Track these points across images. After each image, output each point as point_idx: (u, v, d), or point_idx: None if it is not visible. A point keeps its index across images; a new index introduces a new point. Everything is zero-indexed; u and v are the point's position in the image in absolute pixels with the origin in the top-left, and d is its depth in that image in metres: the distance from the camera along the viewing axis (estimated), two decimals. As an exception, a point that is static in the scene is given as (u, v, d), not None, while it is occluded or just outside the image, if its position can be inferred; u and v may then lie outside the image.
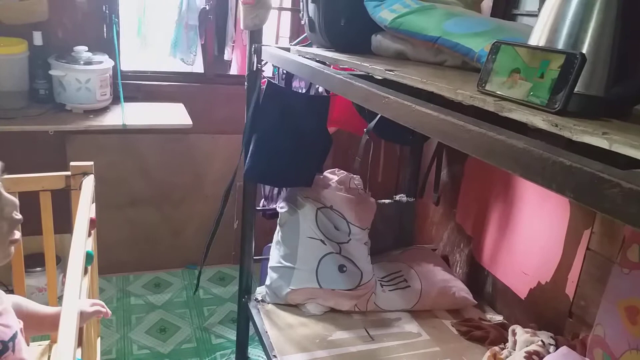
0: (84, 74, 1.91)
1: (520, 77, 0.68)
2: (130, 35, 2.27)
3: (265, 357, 1.90)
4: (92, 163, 1.39)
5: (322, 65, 1.28)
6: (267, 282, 1.81)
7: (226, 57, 2.37)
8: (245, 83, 1.69)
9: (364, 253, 1.81)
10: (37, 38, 1.91)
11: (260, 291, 1.85)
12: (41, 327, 0.96)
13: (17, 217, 0.71)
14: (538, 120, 0.61)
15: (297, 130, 1.66)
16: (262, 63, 1.62)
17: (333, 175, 1.89)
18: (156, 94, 2.21)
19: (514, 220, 1.68)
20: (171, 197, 2.37)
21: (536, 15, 1.23)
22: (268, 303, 1.80)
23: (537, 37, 0.72)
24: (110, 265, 2.08)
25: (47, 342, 1.45)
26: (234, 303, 2.23)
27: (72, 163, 1.38)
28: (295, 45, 1.63)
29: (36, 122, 1.86)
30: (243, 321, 1.87)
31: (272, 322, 1.71)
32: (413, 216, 2.07)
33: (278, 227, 1.83)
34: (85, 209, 1.17)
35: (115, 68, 2.02)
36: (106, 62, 1.98)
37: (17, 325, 0.77)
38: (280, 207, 1.82)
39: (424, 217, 2.10)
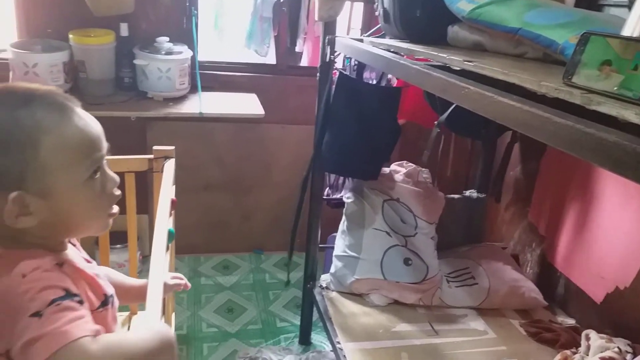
0: (165, 63, 2.01)
1: (612, 69, 0.66)
2: (207, 27, 2.36)
3: (328, 343, 1.95)
4: (173, 147, 1.47)
5: (398, 56, 1.28)
6: (332, 270, 1.84)
7: (298, 48, 2.41)
8: (317, 74, 1.72)
9: (430, 247, 1.79)
10: (124, 29, 2.03)
11: (324, 278, 1.89)
12: (127, 297, 1.02)
13: (116, 193, 0.77)
14: (630, 114, 0.58)
15: (367, 121, 1.66)
16: (335, 54, 1.64)
17: (401, 168, 1.89)
18: (231, 84, 2.28)
19: (593, 221, 1.60)
20: (242, 183, 2.45)
21: (625, 6, 1.17)
22: (332, 290, 1.83)
23: (632, 28, 0.68)
24: (183, 246, 2.18)
25: (126, 313, 1.55)
26: (298, 289, 2.28)
27: (154, 147, 1.46)
28: (368, 36, 1.63)
29: (121, 108, 1.99)
30: (307, 307, 1.91)
31: (336, 309, 1.74)
32: (483, 213, 2.03)
33: (344, 217, 1.85)
34: (167, 190, 1.24)
35: (193, 58, 2.11)
36: (185, 52, 2.07)
37: (113, 290, 0.83)
38: (347, 197, 1.84)
39: (494, 214, 2.04)
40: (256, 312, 2.12)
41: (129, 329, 1.51)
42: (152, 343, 0.66)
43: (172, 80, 2.03)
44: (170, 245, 1.19)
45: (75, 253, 0.79)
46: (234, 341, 1.95)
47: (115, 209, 0.78)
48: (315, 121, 1.76)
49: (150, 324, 0.71)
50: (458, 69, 1.04)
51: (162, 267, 0.93)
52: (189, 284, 1.10)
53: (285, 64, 2.38)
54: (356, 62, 1.79)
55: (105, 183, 0.74)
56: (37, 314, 0.58)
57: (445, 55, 1.10)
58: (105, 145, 0.74)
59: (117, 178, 0.76)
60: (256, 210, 2.51)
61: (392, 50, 1.39)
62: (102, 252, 1.48)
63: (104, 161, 0.74)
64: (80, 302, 0.63)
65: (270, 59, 2.39)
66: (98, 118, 0.77)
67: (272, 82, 2.34)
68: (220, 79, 2.27)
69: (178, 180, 1.49)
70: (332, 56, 1.64)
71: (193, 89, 2.15)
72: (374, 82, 1.83)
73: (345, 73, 1.69)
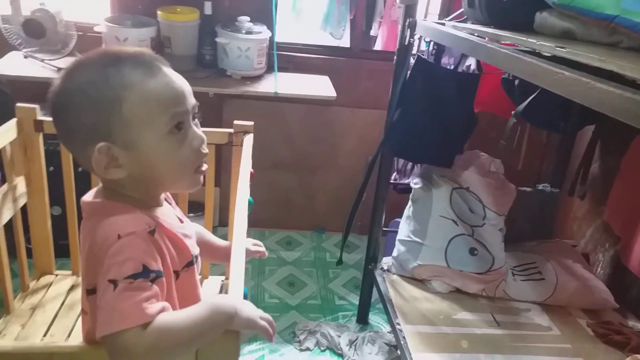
0: (245, 42, 2.07)
1: None
2: (286, 9, 2.40)
3: (385, 324, 1.97)
4: (252, 123, 1.52)
5: (485, 40, 1.26)
6: (395, 253, 1.86)
7: (373, 32, 2.41)
8: (395, 57, 1.72)
9: (497, 239, 1.77)
10: (208, 7, 2.11)
11: (386, 261, 1.91)
12: (214, 256, 1.10)
13: (203, 150, 0.78)
14: None
15: (443, 107, 1.65)
16: (415, 38, 1.63)
17: (473, 157, 1.86)
18: (305, 65, 2.32)
19: (676, 224, 1.53)
20: (308, 164, 2.50)
21: None
22: (393, 274, 1.85)
23: None
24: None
25: (198, 277, 1.64)
26: (357, 270, 2.31)
27: (235, 121, 1.52)
28: (449, 20, 1.62)
29: (201, 84, 2.07)
30: (367, 287, 1.94)
31: (396, 292, 1.76)
32: (555, 208, 1.97)
33: (410, 202, 1.86)
34: (247, 162, 1.30)
35: (271, 39, 2.16)
36: (264, 32, 2.13)
37: (199, 250, 0.89)
38: (415, 182, 1.84)
39: (566, 211, 1.98)
40: (316, 288, 2.18)
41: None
42: (208, 322, 0.70)
43: (250, 60, 2.10)
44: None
45: (169, 211, 0.84)
46: (294, 313, 2.01)
47: (205, 166, 0.80)
48: (389, 105, 1.76)
49: (210, 300, 0.72)
50: (548, 55, 1.01)
51: (244, 234, 0.99)
52: (266, 252, 1.15)
53: (359, 47, 2.39)
54: (435, 47, 1.77)
55: (192, 140, 0.76)
56: (114, 282, 0.65)
57: (534, 41, 1.08)
58: (190, 102, 0.76)
59: (203, 136, 0.78)
60: (320, 191, 2.56)
61: (475, 34, 1.37)
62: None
63: (190, 118, 0.76)
64: (155, 279, 0.68)
65: (345, 42, 2.41)
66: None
67: (345, 65, 2.36)
68: (295, 60, 2.32)
69: (249, 157, 1.54)
70: (411, 40, 1.64)
71: (269, 69, 2.21)
72: (452, 68, 1.81)
73: (423, 57, 1.69)
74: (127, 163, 0.73)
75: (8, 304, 1.41)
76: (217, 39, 2.08)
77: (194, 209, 2.05)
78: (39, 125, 1.38)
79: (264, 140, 2.41)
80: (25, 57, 1.96)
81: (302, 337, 1.87)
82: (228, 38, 2.06)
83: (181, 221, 0.87)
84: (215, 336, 0.70)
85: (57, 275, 1.55)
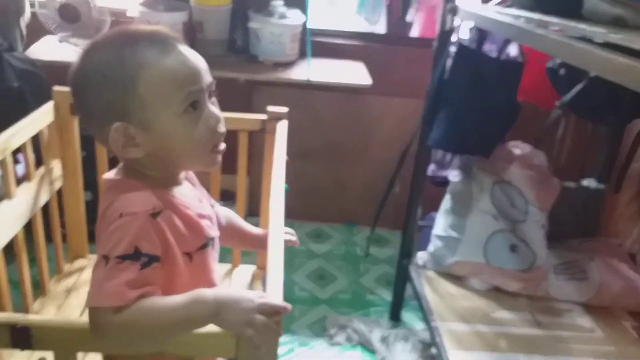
0: (278, 27, 2.02)
1: None
2: (319, -7, 2.34)
3: (418, 322, 1.92)
4: (286, 109, 1.48)
5: (533, 25, 1.19)
6: (430, 249, 1.80)
7: (409, 18, 2.33)
8: (434, 43, 1.65)
9: (539, 236, 1.70)
10: (241, -8, 2.07)
11: (421, 256, 1.85)
12: (244, 243, 1.07)
13: (220, 129, 0.76)
14: None
15: (485, 96, 1.58)
16: (456, 24, 1.56)
17: (515, 149, 1.78)
18: (339, 51, 2.26)
19: None
20: (339, 154, 2.45)
21: None
22: (429, 269, 1.79)
23: None
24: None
25: (229, 265, 1.62)
26: (389, 265, 2.26)
27: (269, 108, 1.48)
28: (494, 5, 1.54)
29: (232, 70, 2.03)
30: (400, 283, 1.89)
31: (432, 289, 1.70)
32: (600, 205, 1.88)
33: (448, 195, 1.79)
34: (281, 149, 1.26)
35: (304, 24, 2.11)
36: (298, 17, 2.08)
37: (217, 233, 0.86)
38: (454, 175, 1.77)
39: (612, 208, 1.89)
40: (346, 283, 2.13)
41: (230, 282, 1.57)
42: (185, 316, 0.67)
43: (283, 45, 2.05)
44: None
45: (189, 191, 0.82)
46: (324, 307, 1.97)
47: (222, 145, 0.78)
48: (427, 93, 1.70)
49: (195, 293, 0.69)
50: (601, 41, 0.95)
51: (281, 221, 0.95)
52: (298, 242, 1.11)
53: (395, 33, 2.32)
54: (477, 33, 1.69)
55: (208, 119, 0.74)
56: (106, 258, 0.67)
57: (585, 27, 1.02)
58: (206, 81, 0.74)
59: (220, 115, 0.76)
60: (351, 182, 2.50)
61: (521, 20, 1.30)
62: (212, 207, 1.53)
63: (206, 97, 0.75)
64: (147, 263, 0.67)
65: (380, 28, 2.34)
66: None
67: (380, 52, 2.29)
68: (328, 46, 2.26)
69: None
70: (452, 25, 1.57)
71: (301, 55, 2.16)
72: (494, 55, 1.73)
73: (465, 44, 1.61)
74: (144, 142, 0.72)
75: (44, 285, 1.42)
76: (250, 24, 2.04)
77: (225, 197, 2.02)
78: (74, 108, 1.37)
79: (293, 129, 2.34)
80: (60, 41, 1.96)
81: (332, 331, 1.83)
82: (261, 23, 2.02)
83: (200, 202, 0.84)
84: (196, 329, 0.68)
85: (90, 258, 1.55)
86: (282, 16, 2.04)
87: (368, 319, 1.92)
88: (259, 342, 0.67)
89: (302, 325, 1.87)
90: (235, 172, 1.55)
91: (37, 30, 1.97)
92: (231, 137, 1.43)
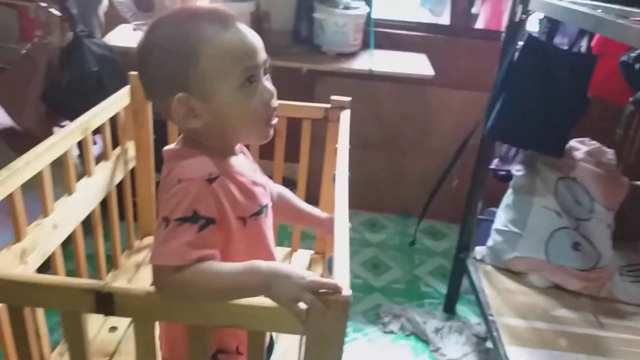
0: (343, 18, 2.04)
1: None
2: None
3: (473, 315, 1.90)
4: (350, 99, 1.50)
5: (613, 15, 1.15)
6: (490, 243, 1.78)
7: (475, 10, 2.29)
8: (503, 35, 1.62)
9: (605, 235, 1.64)
10: (306, -17, 2.10)
11: (479, 251, 1.83)
12: (298, 219, 1.11)
13: (273, 104, 0.80)
14: None
15: (554, 89, 1.53)
16: (528, 14, 1.52)
17: (582, 145, 1.73)
18: (401, 43, 2.25)
19: None
20: (398, 145, 2.44)
21: None
22: (487, 264, 1.77)
23: None
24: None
25: (288, 249, 1.66)
26: (444, 258, 2.25)
27: (332, 97, 1.50)
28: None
29: (296, 60, 2.07)
30: (456, 276, 1.87)
31: (490, 283, 1.68)
32: (673, 206, 1.79)
33: (510, 190, 1.76)
34: (345, 138, 1.28)
35: (368, 15, 2.11)
36: (362, 8, 2.09)
37: (270, 202, 0.89)
38: (517, 169, 1.74)
39: (686, 209, 1.80)
40: (401, 273, 2.14)
41: (289, 264, 1.62)
42: (239, 284, 0.70)
43: (346, 36, 2.07)
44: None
45: (243, 162, 0.86)
46: (378, 295, 1.99)
47: (275, 120, 0.81)
48: (492, 86, 1.67)
49: (252, 264, 0.71)
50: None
51: (346, 209, 0.97)
52: (352, 229, 1.13)
53: (459, 25, 2.29)
54: (547, 25, 1.65)
55: (262, 93, 0.77)
56: (166, 220, 0.71)
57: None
58: (262, 57, 0.77)
59: (273, 90, 0.79)
60: (408, 174, 2.50)
61: (599, 10, 1.26)
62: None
63: (261, 72, 0.78)
64: (205, 225, 0.71)
65: (445, 19, 2.31)
66: (274, 68, 0.81)
67: (443, 43, 2.27)
68: (391, 37, 2.26)
69: (338, 135, 1.52)
70: (523, 16, 1.53)
71: (364, 46, 2.17)
72: (566, 48, 1.68)
73: (535, 36, 1.57)
74: (203, 113, 0.76)
75: (116, 259, 1.51)
76: (315, 14, 2.07)
77: (285, 185, 2.07)
78: (140, 80, 1.44)
79: (353, 119, 2.35)
80: (134, 29, 2.06)
81: (386, 320, 1.84)
82: (326, 13, 2.04)
83: (254, 172, 0.88)
84: (248, 297, 0.71)
85: (157, 237, 1.63)
86: (347, 7, 2.06)
87: (422, 310, 1.92)
88: (304, 318, 0.69)
89: (356, 312, 1.90)
90: (295, 161, 1.58)
91: (113, 18, 2.08)
92: (293, 126, 1.49)
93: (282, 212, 1.03)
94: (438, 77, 2.11)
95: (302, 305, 0.68)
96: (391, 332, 1.81)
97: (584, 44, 1.59)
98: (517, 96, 1.57)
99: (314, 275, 0.70)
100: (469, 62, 2.25)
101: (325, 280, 0.69)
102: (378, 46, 2.19)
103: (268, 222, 0.88)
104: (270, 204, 0.89)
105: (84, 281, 0.71)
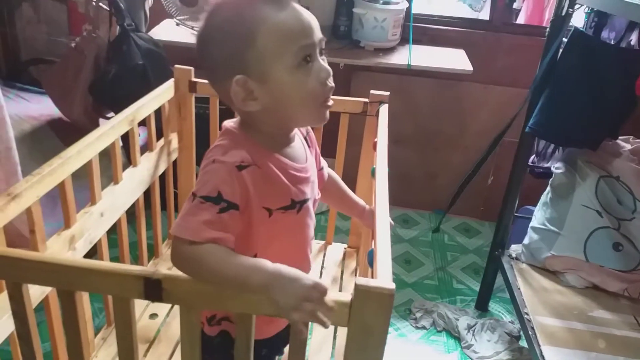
0: (382, 13, 2.04)
1: None
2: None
3: (505, 313, 1.89)
4: (388, 93, 1.51)
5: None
6: (526, 241, 1.76)
7: (516, 5, 2.25)
8: (547, 29, 1.59)
9: (648, 236, 1.60)
10: (346, -23, 2.10)
11: (515, 249, 1.81)
12: (341, 205, 1.13)
13: (330, 83, 0.79)
14: None
15: (600, 86, 1.50)
16: (574, 7, 1.49)
17: (626, 144, 1.69)
18: (440, 38, 2.24)
19: None
20: (432, 142, 2.43)
21: None
22: (522, 262, 1.75)
23: None
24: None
25: (322, 242, 1.68)
26: (477, 255, 2.23)
27: (371, 91, 1.51)
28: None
29: (334, 55, 2.07)
30: (490, 273, 1.86)
31: (525, 281, 1.66)
32: None
33: (549, 188, 1.74)
34: (384, 132, 1.29)
35: (407, 10, 2.10)
36: (401, 3, 2.08)
37: (314, 195, 0.89)
38: (556, 167, 1.71)
39: None
40: (433, 269, 2.14)
41: (324, 257, 1.64)
42: (242, 279, 0.70)
43: (385, 31, 2.06)
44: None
45: (298, 151, 0.85)
46: (410, 291, 2.00)
47: (330, 101, 0.80)
48: (533, 81, 1.64)
49: (261, 263, 0.71)
50: None
51: (386, 203, 0.98)
52: (392, 222, 1.14)
53: (500, 20, 2.25)
54: (594, 19, 1.61)
55: (319, 72, 0.77)
56: (194, 196, 0.73)
57: None
58: (317, 36, 0.77)
59: (330, 69, 0.79)
60: (443, 171, 2.48)
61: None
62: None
63: (317, 52, 0.78)
64: (226, 209, 0.73)
65: (484, 14, 2.28)
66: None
67: (482, 39, 2.24)
68: (429, 33, 2.24)
69: (372, 130, 1.53)
70: (570, 10, 1.50)
71: (402, 41, 2.16)
72: (612, 42, 1.64)
73: (581, 30, 1.54)
74: (262, 96, 0.76)
75: (157, 248, 1.56)
76: (355, 9, 2.07)
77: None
78: (192, 86, 1.48)
79: (389, 114, 2.38)
80: (177, 24, 2.10)
81: (418, 315, 1.85)
82: (365, 8, 2.04)
83: (306, 162, 0.87)
84: (249, 293, 0.71)
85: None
86: (387, 2, 2.06)
87: (454, 306, 1.91)
88: (300, 329, 0.69)
89: (389, 306, 1.91)
90: (332, 156, 1.60)
91: (158, 13, 2.13)
92: (329, 121, 1.50)
93: (329, 194, 1.04)
94: (476, 73, 2.09)
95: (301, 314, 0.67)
96: (423, 327, 1.81)
97: (633, 37, 1.55)
98: (562, 93, 1.54)
99: (318, 282, 0.68)
100: (508, 58, 2.22)
101: (326, 288, 0.68)
102: (416, 41, 2.17)
103: (302, 220, 0.86)
104: (312, 202, 0.88)
105: (135, 268, 0.74)
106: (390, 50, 2.12)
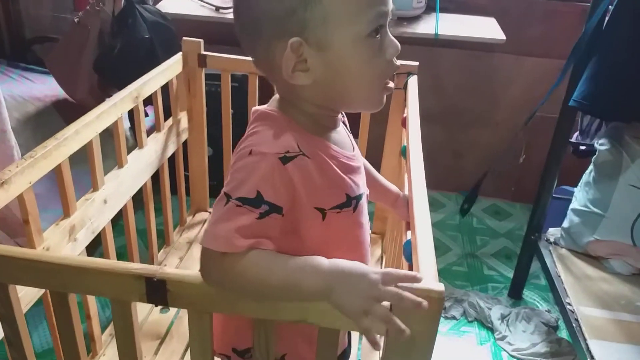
0: (406, -22, 1.88)
1: None
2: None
3: (541, 301, 1.76)
4: (417, 63, 1.38)
5: None
6: (565, 224, 1.62)
7: (551, -33, 2.07)
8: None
9: None
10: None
11: (553, 232, 1.68)
12: (373, 193, 0.95)
13: (396, 62, 0.67)
14: None
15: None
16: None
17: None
18: (468, 5, 2.08)
19: None
20: (460, 118, 2.28)
21: None
22: (562, 247, 1.62)
23: None
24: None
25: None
26: (508, 239, 2.10)
27: (398, 62, 1.37)
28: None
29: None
30: (526, 259, 1.73)
31: (566, 268, 1.54)
32: None
33: (591, 167, 1.59)
34: (414, 106, 1.17)
35: (433, -25, 1.95)
36: (427, -33, 1.92)
37: (366, 189, 0.76)
38: (600, 143, 1.56)
39: None
40: (461, 254, 2.01)
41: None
42: (293, 286, 0.59)
43: (409, -2, 1.91)
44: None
45: (344, 137, 0.74)
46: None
47: (391, 84, 0.68)
48: (573, 50, 1.48)
49: (313, 258, 0.60)
50: None
51: (424, 186, 0.86)
52: None
53: (534, -16, 2.08)
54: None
55: (388, 47, 0.65)
56: (227, 196, 0.61)
57: None
58: (390, 5, 0.64)
59: (399, 45, 0.66)
60: (470, 149, 2.34)
61: None
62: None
63: (387, 24, 0.65)
64: (266, 213, 0.60)
65: (516, -21, 2.11)
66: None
67: (514, 5, 2.07)
68: (457, 0, 2.08)
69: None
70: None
71: (428, 9, 2.01)
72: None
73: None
74: (316, 67, 0.63)
75: (168, 236, 1.46)
76: (375, -25, 1.92)
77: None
78: (202, 59, 1.36)
79: (413, 89, 2.25)
80: (186, -4, 1.98)
81: (447, 305, 1.73)
82: (387, -26, 1.89)
83: (353, 150, 0.75)
84: (305, 300, 0.60)
85: (210, 212, 1.58)
86: (410, -34, 1.90)
87: (486, 294, 1.79)
88: (373, 339, 0.57)
89: (415, 294, 1.80)
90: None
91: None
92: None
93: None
94: (508, 43, 1.93)
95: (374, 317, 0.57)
96: (453, 317, 1.70)
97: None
98: (608, 61, 1.39)
99: (389, 273, 0.59)
100: (542, 25, 2.06)
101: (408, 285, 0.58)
102: (443, 9, 2.02)
103: (358, 220, 0.73)
104: (366, 194, 0.75)
105: (135, 266, 0.63)
106: (415, 19, 1.97)
